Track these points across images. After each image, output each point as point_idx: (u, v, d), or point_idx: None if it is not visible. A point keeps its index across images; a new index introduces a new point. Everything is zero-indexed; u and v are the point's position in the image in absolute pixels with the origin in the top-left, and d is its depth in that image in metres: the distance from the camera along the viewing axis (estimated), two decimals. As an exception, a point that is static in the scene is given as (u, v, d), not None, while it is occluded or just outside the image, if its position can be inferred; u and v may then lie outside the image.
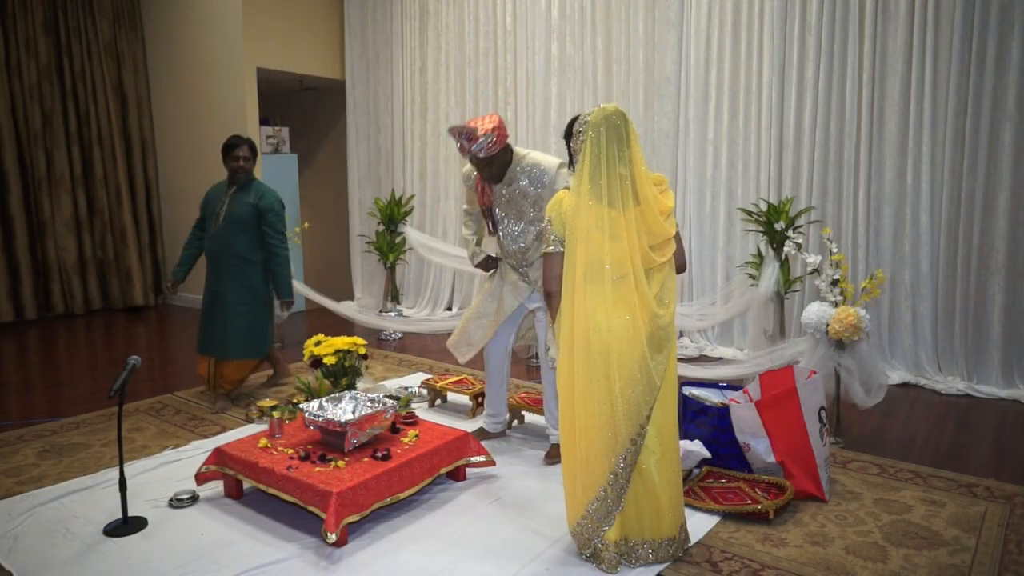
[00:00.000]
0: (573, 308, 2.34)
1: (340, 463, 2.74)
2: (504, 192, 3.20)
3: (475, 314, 3.46)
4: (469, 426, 3.65)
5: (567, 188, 2.46)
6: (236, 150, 4.09)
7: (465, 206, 3.53)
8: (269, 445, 2.94)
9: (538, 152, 3.22)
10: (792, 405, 2.95)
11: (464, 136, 2.99)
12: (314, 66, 7.45)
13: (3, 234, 6.89)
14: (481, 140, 2.97)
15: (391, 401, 3.12)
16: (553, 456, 3.31)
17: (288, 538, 2.66)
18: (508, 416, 3.81)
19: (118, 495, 2.77)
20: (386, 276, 6.66)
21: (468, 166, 3.31)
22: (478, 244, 3.50)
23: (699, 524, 2.72)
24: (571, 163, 2.49)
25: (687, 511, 2.79)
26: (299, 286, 6.07)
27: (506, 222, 3.27)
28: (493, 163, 3.08)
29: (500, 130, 3.01)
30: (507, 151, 3.14)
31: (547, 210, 2.46)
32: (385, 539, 2.66)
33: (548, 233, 2.43)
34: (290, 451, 2.88)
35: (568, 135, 2.48)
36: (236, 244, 4.09)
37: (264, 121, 7.34)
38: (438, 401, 4.24)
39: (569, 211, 2.36)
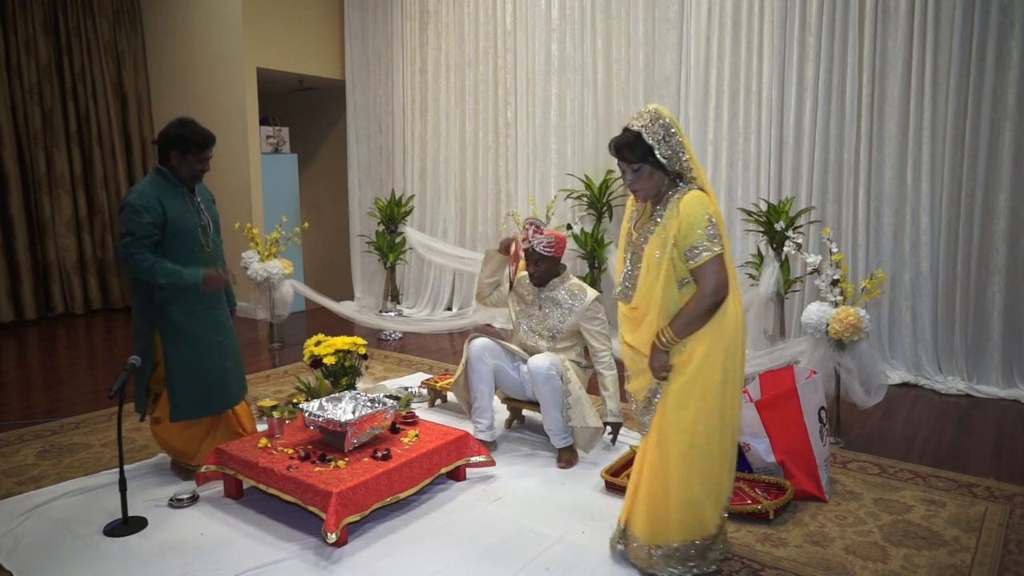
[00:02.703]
0: (737, 313, 2.26)
1: (340, 463, 2.74)
2: (539, 298, 3.54)
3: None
4: (469, 426, 3.65)
5: (694, 189, 2.22)
6: (209, 149, 3.09)
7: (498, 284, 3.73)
8: (269, 445, 2.94)
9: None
10: (792, 405, 2.95)
11: (535, 226, 3.43)
12: (314, 66, 7.45)
13: (3, 234, 6.88)
14: (545, 236, 3.40)
15: (391, 401, 3.13)
16: (567, 459, 3.31)
17: (288, 538, 2.66)
18: (508, 416, 3.83)
19: (118, 495, 2.77)
20: (386, 276, 6.67)
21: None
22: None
23: (699, 524, 2.72)
24: (668, 174, 2.24)
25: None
26: (299, 286, 6.08)
27: (524, 327, 3.59)
28: (541, 264, 3.44)
29: (561, 244, 3.46)
30: (560, 267, 3.53)
31: (698, 208, 2.17)
32: (385, 539, 2.66)
33: (711, 235, 2.16)
34: (290, 451, 2.88)
35: (643, 146, 2.20)
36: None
37: (264, 121, 7.34)
38: (438, 401, 4.24)
39: (717, 211, 2.24)
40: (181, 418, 3.09)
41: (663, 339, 2.21)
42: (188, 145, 3.01)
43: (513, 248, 3.54)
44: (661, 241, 2.21)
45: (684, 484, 2.26)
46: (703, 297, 2.17)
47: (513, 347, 3.54)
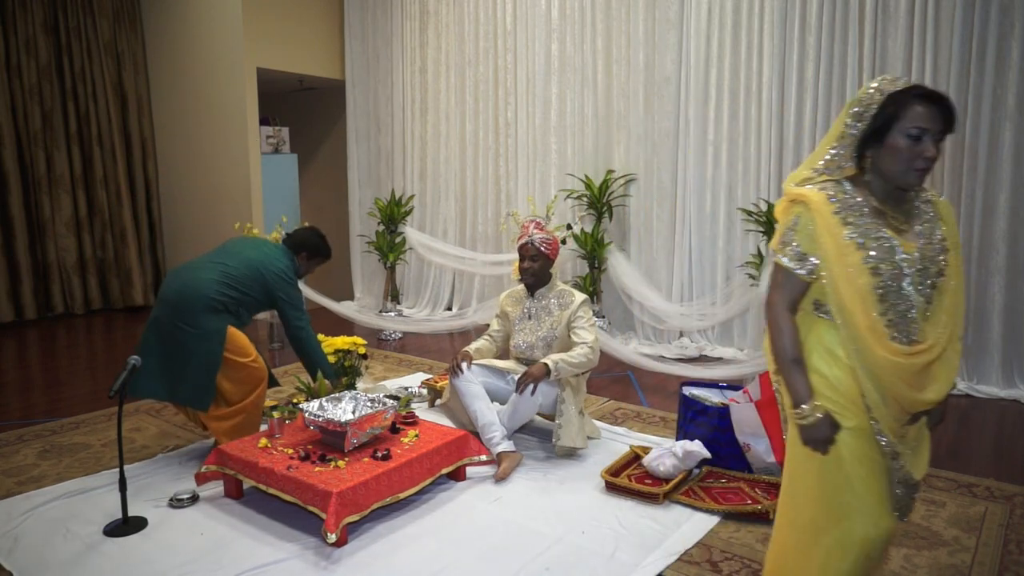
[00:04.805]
0: None
1: (340, 463, 2.74)
2: (529, 309, 3.59)
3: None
4: (470, 425, 3.65)
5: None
6: None
7: (494, 327, 3.79)
8: (269, 445, 2.94)
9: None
10: (792, 405, 2.92)
11: (535, 224, 3.50)
12: (314, 66, 7.45)
13: (3, 234, 6.88)
14: (544, 235, 3.47)
15: (391, 401, 3.13)
16: (504, 469, 3.18)
17: (288, 538, 2.66)
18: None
19: (118, 495, 2.77)
20: (386, 276, 6.67)
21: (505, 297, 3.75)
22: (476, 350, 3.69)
23: (699, 524, 2.72)
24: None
25: (688, 511, 2.80)
26: (299, 285, 6.06)
27: (518, 340, 3.61)
28: (537, 260, 3.48)
29: (556, 246, 3.53)
30: (551, 269, 3.57)
31: None
32: (385, 539, 2.66)
33: None
34: (290, 451, 2.88)
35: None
36: None
37: (264, 121, 7.34)
38: (438, 401, 4.24)
39: None
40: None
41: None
42: (319, 256, 3.74)
43: (457, 361, 3.52)
44: (953, 244, 1.74)
45: None
46: None
47: (497, 363, 3.58)
